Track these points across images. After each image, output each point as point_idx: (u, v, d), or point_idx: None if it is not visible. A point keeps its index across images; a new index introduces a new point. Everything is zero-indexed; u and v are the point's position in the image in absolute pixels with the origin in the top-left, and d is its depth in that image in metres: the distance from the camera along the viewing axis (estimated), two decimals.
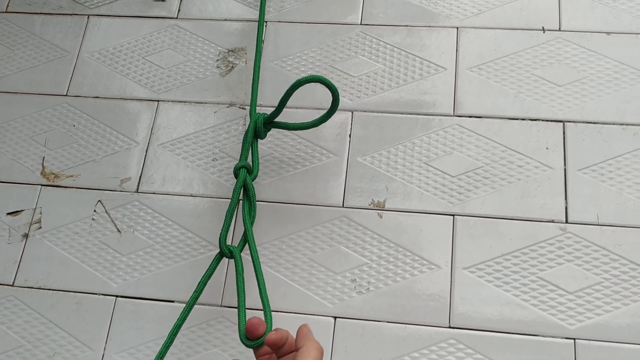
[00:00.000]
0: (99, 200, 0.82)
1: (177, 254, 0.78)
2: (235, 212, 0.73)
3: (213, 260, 0.71)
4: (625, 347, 0.68)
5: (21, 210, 0.82)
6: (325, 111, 0.76)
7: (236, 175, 0.74)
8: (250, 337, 0.59)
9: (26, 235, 0.81)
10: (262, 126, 0.77)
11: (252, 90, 0.81)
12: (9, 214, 0.82)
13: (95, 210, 0.81)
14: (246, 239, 0.71)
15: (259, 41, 0.85)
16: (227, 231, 0.72)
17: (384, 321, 0.72)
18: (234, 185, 0.80)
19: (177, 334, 0.67)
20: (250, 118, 0.78)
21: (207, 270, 0.70)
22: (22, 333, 0.76)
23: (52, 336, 0.75)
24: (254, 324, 0.59)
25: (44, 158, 0.85)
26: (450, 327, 0.71)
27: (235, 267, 0.69)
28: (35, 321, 0.76)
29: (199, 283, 0.69)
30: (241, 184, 0.73)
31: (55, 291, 0.78)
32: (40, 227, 0.81)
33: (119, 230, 0.80)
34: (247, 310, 0.73)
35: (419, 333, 0.71)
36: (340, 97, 0.83)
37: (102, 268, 0.78)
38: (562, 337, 0.69)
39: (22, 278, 0.79)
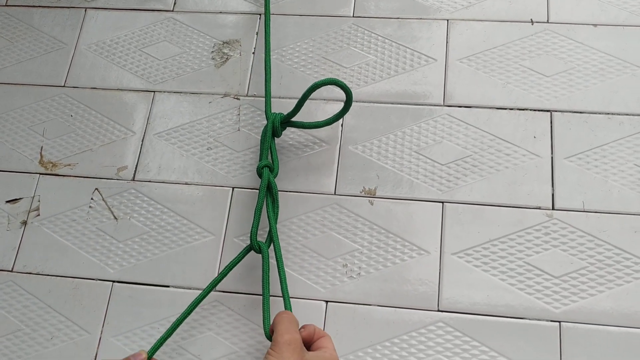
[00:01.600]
0: (96, 189, 0.84)
1: (173, 240, 0.80)
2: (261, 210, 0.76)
3: (241, 252, 0.74)
4: (609, 329, 0.70)
5: (20, 198, 0.84)
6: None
7: (260, 174, 0.76)
8: None
9: (25, 223, 0.83)
10: (279, 126, 0.79)
11: (266, 90, 0.83)
12: (8, 201, 0.84)
13: (92, 198, 0.83)
14: (271, 236, 0.73)
15: (267, 42, 0.86)
16: (257, 227, 0.74)
17: (374, 305, 0.74)
18: (227, 173, 0.82)
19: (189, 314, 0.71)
20: (267, 118, 0.80)
21: (234, 259, 0.73)
22: (21, 317, 0.77)
23: (50, 320, 0.77)
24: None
25: (42, 147, 0.87)
26: (439, 311, 0.73)
27: (262, 265, 0.72)
28: (33, 306, 0.78)
29: (224, 269, 0.72)
30: (266, 183, 0.76)
31: (53, 277, 0.79)
32: (39, 215, 0.83)
33: (115, 218, 0.82)
34: (249, 296, 0.75)
35: (408, 316, 0.73)
36: (333, 88, 0.85)
37: (99, 254, 0.80)
38: (547, 320, 0.71)
39: (20, 264, 0.80)
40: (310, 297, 0.75)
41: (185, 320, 0.75)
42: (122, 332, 0.76)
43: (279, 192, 0.78)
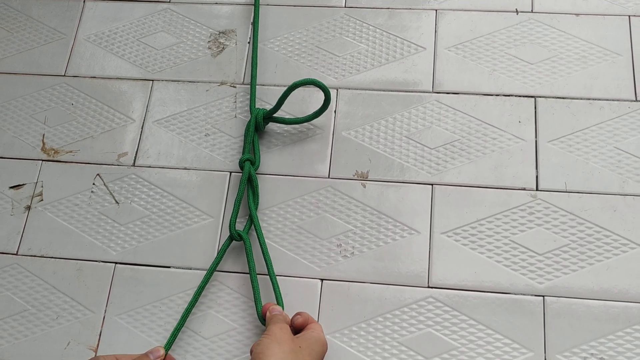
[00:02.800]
0: (98, 174, 0.86)
1: (173, 223, 0.83)
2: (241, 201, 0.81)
3: (223, 245, 0.78)
4: (590, 302, 0.74)
5: (23, 184, 0.87)
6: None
7: (241, 167, 0.81)
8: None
9: (28, 207, 0.85)
10: (262, 121, 0.83)
11: (251, 87, 0.87)
12: (11, 187, 0.87)
13: (94, 183, 0.86)
14: (252, 222, 0.79)
15: (255, 38, 0.90)
16: (236, 217, 0.79)
17: (367, 282, 0.77)
18: (225, 159, 0.85)
19: (195, 303, 0.76)
20: (251, 113, 0.84)
21: (218, 254, 0.78)
22: (26, 298, 0.80)
23: (55, 300, 0.80)
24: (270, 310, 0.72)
25: (44, 135, 0.90)
26: (429, 287, 0.76)
27: (246, 252, 0.77)
28: (38, 287, 0.81)
29: (210, 268, 0.77)
30: (247, 176, 0.80)
31: (57, 259, 0.82)
32: (42, 200, 0.85)
33: (117, 202, 0.85)
34: (247, 275, 0.78)
35: (400, 293, 0.76)
36: (325, 76, 0.89)
37: (101, 237, 0.83)
38: (532, 295, 0.75)
39: (25, 247, 0.83)
40: (307, 276, 0.78)
41: (186, 299, 0.78)
42: (125, 311, 0.79)
43: (273, 176, 0.83)
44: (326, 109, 0.82)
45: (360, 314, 0.76)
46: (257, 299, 0.74)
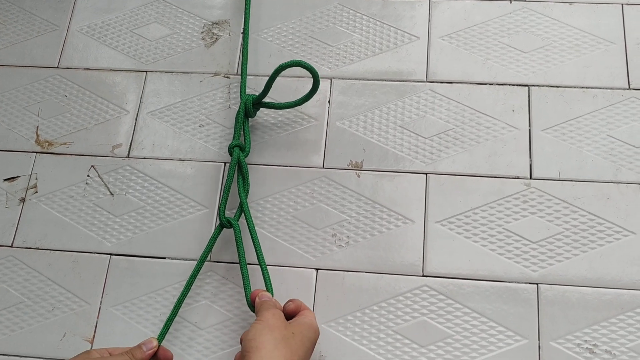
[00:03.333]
0: (92, 166, 0.86)
1: (168, 214, 0.83)
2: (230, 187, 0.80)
3: (214, 233, 0.78)
4: (583, 289, 0.74)
5: (18, 177, 0.87)
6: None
7: (231, 153, 0.80)
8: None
9: (23, 200, 0.85)
10: (251, 106, 0.83)
11: (242, 73, 0.86)
12: (6, 180, 0.86)
13: (88, 175, 0.86)
14: (242, 209, 0.78)
15: (247, 25, 0.89)
16: (225, 204, 0.79)
17: (362, 272, 0.77)
18: (219, 149, 0.85)
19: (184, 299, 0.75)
20: (241, 99, 0.84)
21: (209, 243, 0.77)
22: (22, 290, 0.80)
23: (51, 292, 0.80)
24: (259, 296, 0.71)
25: (37, 127, 0.89)
26: (423, 276, 0.77)
27: (235, 237, 0.76)
28: (34, 279, 0.81)
29: (201, 256, 0.77)
30: (235, 162, 0.80)
31: (52, 251, 0.82)
32: (37, 192, 0.85)
33: (111, 193, 0.85)
34: (234, 265, 0.78)
35: (394, 282, 0.77)
36: (319, 66, 0.88)
37: (96, 229, 0.83)
38: (526, 283, 0.75)
39: (20, 239, 0.83)
40: (302, 266, 0.78)
41: (181, 290, 0.78)
42: (120, 302, 0.79)
43: (267, 167, 0.82)
44: (315, 91, 0.81)
45: (355, 303, 0.76)
46: (246, 286, 0.74)
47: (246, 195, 0.80)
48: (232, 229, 0.78)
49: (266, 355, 0.61)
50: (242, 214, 0.79)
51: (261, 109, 0.85)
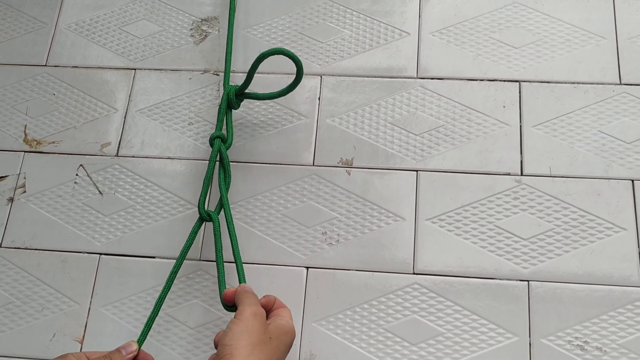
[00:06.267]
0: (81, 165, 0.86)
1: (157, 213, 0.82)
2: (211, 179, 0.79)
3: (194, 226, 0.76)
4: (574, 286, 0.74)
5: (6, 176, 0.86)
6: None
7: (212, 144, 0.79)
8: (229, 304, 0.69)
9: (11, 199, 0.85)
10: (234, 98, 0.81)
11: (226, 63, 0.85)
12: None
13: (77, 174, 0.85)
14: (222, 203, 0.76)
15: (232, 16, 0.88)
16: (205, 197, 0.77)
17: (353, 270, 0.77)
18: (209, 148, 0.85)
19: (164, 297, 0.73)
20: (224, 90, 0.83)
21: (189, 237, 0.75)
22: (11, 290, 0.80)
23: (40, 292, 0.79)
24: (229, 296, 0.68)
25: (25, 126, 0.89)
26: (414, 274, 0.76)
27: (214, 231, 0.74)
28: (23, 279, 0.80)
29: (182, 251, 0.74)
30: (216, 153, 0.79)
31: (41, 251, 0.82)
32: (25, 192, 0.85)
33: (100, 193, 0.84)
34: (232, 264, 0.77)
35: (385, 279, 0.76)
36: (309, 63, 0.88)
37: (85, 228, 0.82)
38: (517, 280, 0.75)
39: (9, 239, 0.82)
40: (292, 264, 0.78)
41: (172, 289, 0.78)
42: (110, 302, 0.78)
43: (257, 165, 0.81)
44: (299, 80, 0.79)
45: (346, 301, 0.76)
46: (220, 282, 0.71)
47: (227, 189, 0.78)
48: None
49: None
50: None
51: (246, 101, 0.84)
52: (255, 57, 0.78)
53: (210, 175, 0.78)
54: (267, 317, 0.67)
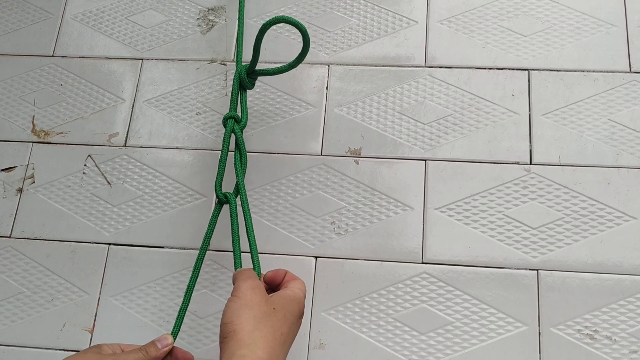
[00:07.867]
0: (89, 155, 0.86)
1: (166, 203, 0.82)
2: (226, 160, 0.76)
3: (214, 210, 0.74)
4: (584, 275, 0.74)
5: (14, 167, 0.86)
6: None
7: (225, 125, 0.77)
8: None
9: (20, 190, 0.85)
10: (245, 77, 0.79)
11: (237, 43, 0.84)
12: (2, 170, 0.86)
13: (85, 165, 0.85)
14: (238, 187, 0.74)
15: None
16: (221, 178, 0.74)
17: (362, 259, 0.77)
18: (217, 137, 0.85)
19: (194, 287, 0.70)
20: (236, 70, 0.81)
21: (210, 222, 0.73)
22: (21, 281, 0.80)
23: (50, 283, 0.80)
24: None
25: (33, 117, 0.89)
26: (423, 263, 0.76)
27: (230, 212, 0.71)
28: (33, 269, 0.81)
29: (205, 237, 0.72)
30: (229, 133, 0.76)
31: (50, 241, 0.82)
32: (34, 182, 0.85)
33: (109, 183, 0.84)
34: (242, 254, 0.77)
35: (394, 269, 0.76)
36: (317, 52, 0.87)
37: (94, 218, 0.82)
38: (526, 269, 0.75)
39: (18, 230, 0.83)
40: (301, 254, 0.78)
41: (181, 280, 0.78)
42: (119, 292, 0.79)
43: (266, 154, 0.81)
44: (307, 49, 0.75)
45: (355, 290, 0.76)
46: (236, 262, 0.68)
47: (243, 170, 0.75)
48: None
49: (245, 338, 0.55)
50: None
51: (254, 91, 0.83)
52: (258, 30, 0.75)
53: (225, 156, 0.75)
54: (278, 289, 0.64)
